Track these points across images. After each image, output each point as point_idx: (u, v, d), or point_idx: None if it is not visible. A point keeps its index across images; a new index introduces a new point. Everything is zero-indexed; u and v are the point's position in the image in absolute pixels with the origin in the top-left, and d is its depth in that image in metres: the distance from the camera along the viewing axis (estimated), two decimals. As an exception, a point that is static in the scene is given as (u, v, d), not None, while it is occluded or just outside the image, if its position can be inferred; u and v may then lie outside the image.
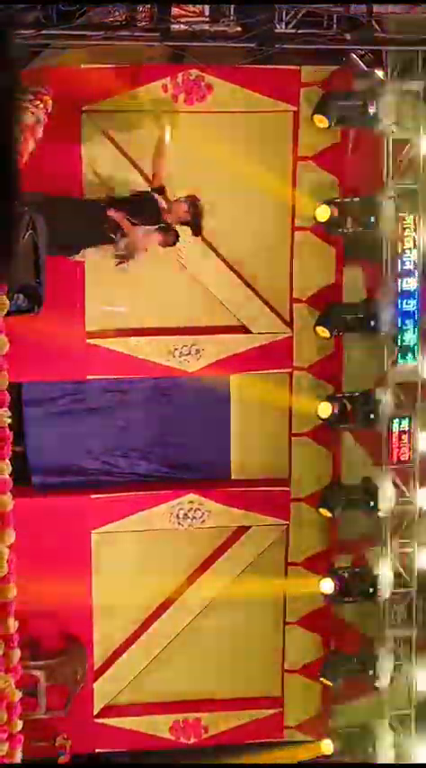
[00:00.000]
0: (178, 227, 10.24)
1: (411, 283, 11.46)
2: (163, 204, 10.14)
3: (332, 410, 11.56)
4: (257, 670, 12.38)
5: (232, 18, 10.03)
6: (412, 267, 11.44)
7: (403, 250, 11.41)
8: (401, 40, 10.25)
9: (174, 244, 10.21)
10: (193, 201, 10.21)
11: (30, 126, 7.07)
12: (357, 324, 11.57)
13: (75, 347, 11.29)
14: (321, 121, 11.03)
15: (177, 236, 10.16)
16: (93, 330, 11.38)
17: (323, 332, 11.59)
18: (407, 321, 11.53)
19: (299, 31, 9.83)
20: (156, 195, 10.17)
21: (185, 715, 12.31)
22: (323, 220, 11.28)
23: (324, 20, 10.04)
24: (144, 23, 9.46)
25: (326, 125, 11.01)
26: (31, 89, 8.70)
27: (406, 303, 11.49)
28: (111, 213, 9.79)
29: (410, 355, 11.58)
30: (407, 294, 11.47)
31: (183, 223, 10.25)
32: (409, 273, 11.44)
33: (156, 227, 10.07)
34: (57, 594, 11.31)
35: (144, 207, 10.05)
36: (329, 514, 11.81)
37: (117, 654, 12.10)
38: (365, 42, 10.17)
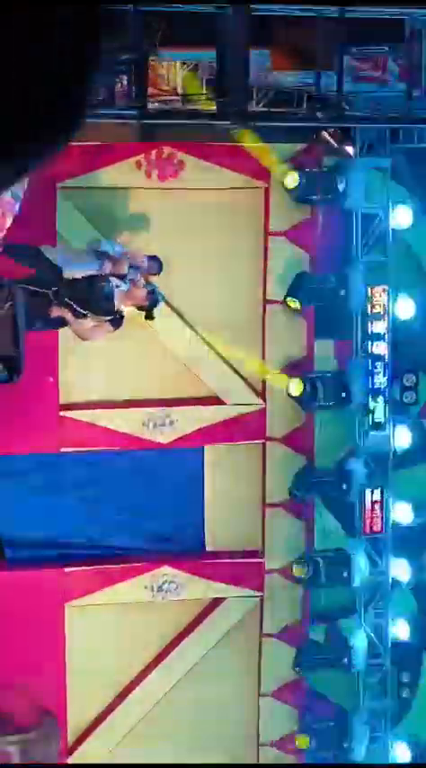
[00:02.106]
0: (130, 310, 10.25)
1: (381, 353, 11.63)
2: (122, 288, 9.94)
3: (304, 482, 11.68)
4: (232, 742, 12.29)
5: (204, 96, 10.27)
6: (382, 340, 11.62)
7: (373, 323, 11.60)
8: (369, 117, 10.51)
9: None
10: (152, 290, 10.08)
11: (8, 202, 7.20)
12: (328, 395, 11.70)
13: (48, 419, 11.34)
14: (291, 181, 11.16)
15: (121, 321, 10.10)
16: (66, 402, 11.44)
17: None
18: (378, 395, 11.68)
19: (271, 110, 10.07)
20: (112, 279, 9.97)
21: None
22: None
23: (295, 98, 10.29)
24: (121, 102, 9.67)
25: (296, 184, 11.13)
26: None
27: (376, 374, 11.65)
28: (55, 312, 9.56)
29: (381, 427, 11.72)
30: (377, 366, 11.63)
31: (139, 308, 10.13)
32: (379, 346, 11.62)
33: (107, 318, 9.88)
34: (29, 668, 11.27)
35: (96, 293, 9.81)
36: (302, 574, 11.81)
37: (91, 728, 11.99)
38: (335, 120, 10.41)
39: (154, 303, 10.03)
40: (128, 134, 11.06)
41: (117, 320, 9.87)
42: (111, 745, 12.00)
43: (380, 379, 11.67)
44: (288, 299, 11.59)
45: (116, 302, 9.73)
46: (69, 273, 10.21)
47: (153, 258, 10.43)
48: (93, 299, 9.69)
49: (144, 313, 10.11)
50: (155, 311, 10.13)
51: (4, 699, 9.83)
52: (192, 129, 10.74)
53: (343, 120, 10.48)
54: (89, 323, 9.82)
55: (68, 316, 9.59)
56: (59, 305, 9.50)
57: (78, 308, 9.55)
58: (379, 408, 11.70)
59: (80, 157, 10.93)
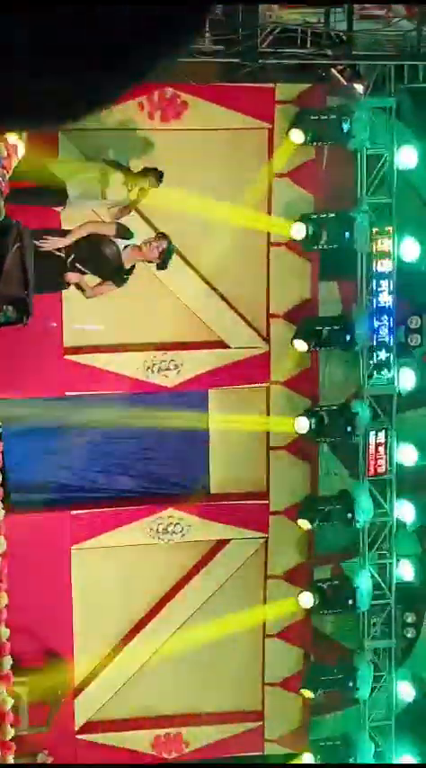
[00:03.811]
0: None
1: (385, 297, 11.60)
2: (130, 244, 9.66)
3: (310, 424, 11.67)
4: (237, 683, 12.42)
5: (207, 35, 10.14)
6: (386, 281, 11.58)
7: (378, 264, 11.55)
8: (380, 54, 10.39)
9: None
10: (166, 248, 9.78)
11: (13, 145, 7.15)
12: (333, 338, 11.68)
13: (53, 363, 11.34)
14: (296, 137, 11.14)
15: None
16: (70, 346, 11.43)
17: (300, 346, 11.69)
18: (382, 335, 11.66)
19: (278, 49, 9.95)
20: (119, 241, 9.68)
21: (167, 730, 12.32)
22: (298, 239, 11.39)
23: (298, 37, 10.17)
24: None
25: (302, 140, 11.13)
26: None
27: (381, 317, 11.62)
28: (70, 278, 9.49)
29: (385, 369, 11.71)
30: (382, 308, 11.61)
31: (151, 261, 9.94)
32: (384, 287, 11.58)
33: (113, 280, 9.75)
34: (38, 611, 11.35)
35: (100, 255, 9.56)
36: (308, 527, 11.88)
37: (98, 669, 12.10)
38: (345, 57, 10.30)
39: (167, 259, 9.91)
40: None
41: (122, 278, 9.76)
42: (117, 686, 12.12)
43: (385, 322, 11.64)
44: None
45: (124, 262, 9.61)
46: (71, 206, 10.28)
47: (151, 170, 10.48)
48: (97, 261, 9.58)
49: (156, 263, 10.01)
50: (169, 263, 10.03)
51: (12, 641, 9.89)
52: (196, 69, 10.62)
53: (354, 57, 10.35)
54: (92, 281, 9.78)
55: (82, 281, 9.57)
56: (74, 264, 9.43)
57: (81, 267, 9.49)
58: (384, 350, 11.68)
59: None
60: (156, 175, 10.53)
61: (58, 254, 9.22)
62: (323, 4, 9.77)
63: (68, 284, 9.55)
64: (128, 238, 9.61)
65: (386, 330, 11.63)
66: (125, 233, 9.62)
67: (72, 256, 9.34)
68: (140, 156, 10.98)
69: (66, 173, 10.34)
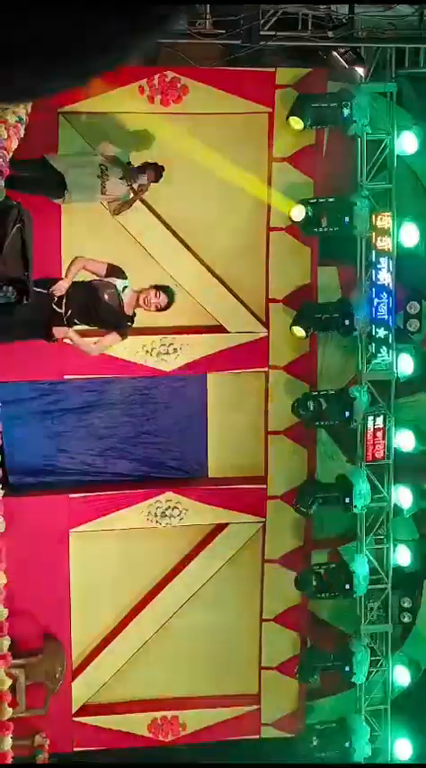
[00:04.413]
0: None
1: (384, 275, 11.59)
2: (128, 290, 9.08)
3: (308, 407, 11.68)
4: (234, 667, 12.46)
5: (208, 18, 10.12)
6: (386, 266, 11.58)
7: (378, 249, 11.55)
8: (383, 37, 10.37)
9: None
10: (168, 303, 9.22)
11: (13, 125, 7.14)
12: (332, 323, 11.69)
13: (52, 346, 11.30)
14: (296, 123, 11.15)
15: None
16: (69, 330, 11.41)
17: (298, 332, 11.69)
18: (381, 320, 11.66)
19: (278, 33, 9.94)
20: (116, 281, 9.02)
21: (163, 713, 12.37)
22: (298, 220, 11.39)
23: (300, 19, 10.15)
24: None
25: (302, 126, 11.13)
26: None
27: (380, 302, 11.62)
28: (57, 334, 8.81)
29: (384, 354, 11.72)
30: (381, 287, 11.60)
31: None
32: (383, 273, 11.58)
33: (117, 329, 9.12)
34: (35, 594, 11.39)
35: (103, 300, 8.93)
36: (305, 510, 11.92)
37: (95, 652, 12.14)
38: (346, 40, 10.28)
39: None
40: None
41: (127, 327, 9.12)
42: (114, 669, 12.16)
43: (384, 307, 11.65)
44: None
45: (126, 306, 9.00)
46: (71, 199, 10.22)
47: (152, 165, 10.37)
48: (97, 309, 8.92)
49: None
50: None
51: (10, 623, 9.93)
52: (196, 52, 10.61)
53: (355, 39, 10.32)
54: (94, 347, 9.24)
55: (72, 339, 8.92)
56: (70, 325, 8.75)
57: (79, 322, 8.84)
58: (382, 336, 11.68)
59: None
60: (157, 171, 10.44)
61: (57, 309, 8.69)
62: (324, 3, 9.77)
63: (56, 340, 8.93)
64: (123, 278, 9.05)
65: (385, 308, 11.62)
66: (118, 273, 9.05)
67: (69, 312, 8.76)
68: (140, 149, 10.97)
69: (66, 166, 10.30)
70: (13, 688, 10.92)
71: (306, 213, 11.24)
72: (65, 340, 9.06)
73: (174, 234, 11.42)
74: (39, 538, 11.52)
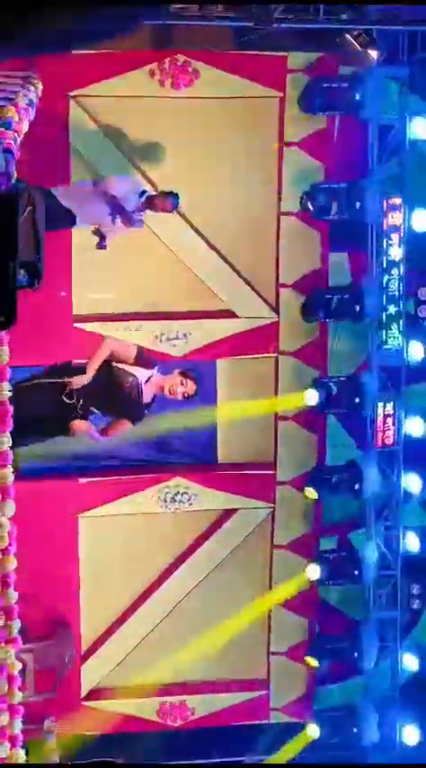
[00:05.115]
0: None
1: (396, 268, 11.56)
2: (151, 377, 8.79)
3: (319, 396, 11.67)
4: (243, 653, 12.46)
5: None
6: (397, 252, 11.54)
7: (389, 235, 11.51)
8: (391, 18, 10.31)
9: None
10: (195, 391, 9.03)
11: (23, 108, 7.12)
12: (342, 308, 11.65)
13: (62, 331, 11.32)
14: (307, 109, 11.09)
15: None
16: (79, 314, 11.41)
17: (309, 319, 11.70)
18: (391, 306, 11.63)
19: (290, 16, 9.90)
20: (139, 371, 8.76)
21: (172, 698, 12.39)
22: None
23: (311, 5, 10.10)
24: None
25: (313, 112, 11.08)
26: (22, 73, 8.72)
27: (391, 288, 11.58)
28: (79, 427, 8.63)
29: (394, 339, 11.68)
30: (392, 279, 11.57)
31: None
32: (393, 249, 11.52)
33: (130, 418, 8.85)
34: (44, 578, 11.39)
35: (123, 390, 8.73)
36: (315, 496, 11.90)
37: (104, 637, 12.16)
38: (359, 22, 10.21)
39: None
40: (140, 42, 10.87)
41: (141, 416, 8.89)
42: (124, 654, 12.18)
43: (394, 293, 11.60)
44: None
45: (144, 397, 8.78)
46: (82, 219, 9.87)
47: (169, 194, 9.94)
48: (114, 398, 8.74)
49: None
50: None
51: (19, 608, 9.94)
52: (208, 35, 10.57)
53: (368, 21, 10.25)
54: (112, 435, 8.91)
55: (89, 433, 8.68)
56: (84, 416, 8.55)
57: (94, 410, 8.62)
58: (393, 322, 11.65)
59: (92, 66, 10.79)
60: (171, 201, 9.97)
61: (67, 400, 8.58)
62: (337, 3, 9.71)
63: (74, 434, 8.70)
64: (150, 367, 8.83)
65: (396, 284, 11.56)
66: (147, 362, 8.83)
67: (81, 401, 8.61)
68: (153, 163, 10.90)
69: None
70: (22, 672, 10.94)
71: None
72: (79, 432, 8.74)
73: (184, 218, 11.38)
74: (49, 522, 11.53)
